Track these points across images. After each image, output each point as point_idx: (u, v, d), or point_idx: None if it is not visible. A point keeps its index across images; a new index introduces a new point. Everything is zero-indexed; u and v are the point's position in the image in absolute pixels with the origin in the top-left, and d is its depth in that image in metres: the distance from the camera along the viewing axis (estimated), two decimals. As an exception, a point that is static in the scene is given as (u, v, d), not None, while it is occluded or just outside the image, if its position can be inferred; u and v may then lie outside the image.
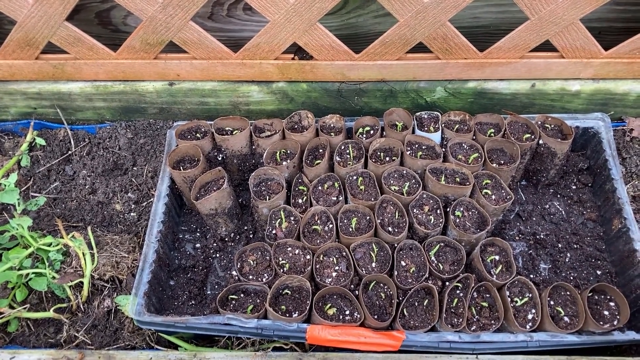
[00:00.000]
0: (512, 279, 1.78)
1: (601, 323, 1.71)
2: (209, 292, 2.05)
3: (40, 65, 2.31)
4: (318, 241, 1.90)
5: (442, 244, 1.88)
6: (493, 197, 1.95)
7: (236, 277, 1.88)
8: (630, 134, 2.29)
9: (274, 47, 2.16)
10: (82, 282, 2.00)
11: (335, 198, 1.99)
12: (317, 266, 1.84)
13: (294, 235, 1.92)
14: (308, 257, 1.87)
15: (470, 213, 1.92)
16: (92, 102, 2.43)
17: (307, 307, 1.73)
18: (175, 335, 1.93)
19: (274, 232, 1.95)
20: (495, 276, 1.80)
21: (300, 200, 2.03)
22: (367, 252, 1.87)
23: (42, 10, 2.07)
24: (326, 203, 1.98)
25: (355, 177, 2.03)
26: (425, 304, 1.77)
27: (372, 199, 1.96)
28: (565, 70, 2.20)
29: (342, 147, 2.11)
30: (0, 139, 2.53)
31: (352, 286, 1.83)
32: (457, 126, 2.16)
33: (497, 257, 1.85)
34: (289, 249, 1.89)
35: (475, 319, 1.75)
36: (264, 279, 1.84)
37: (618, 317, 1.73)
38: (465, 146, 2.08)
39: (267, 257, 1.90)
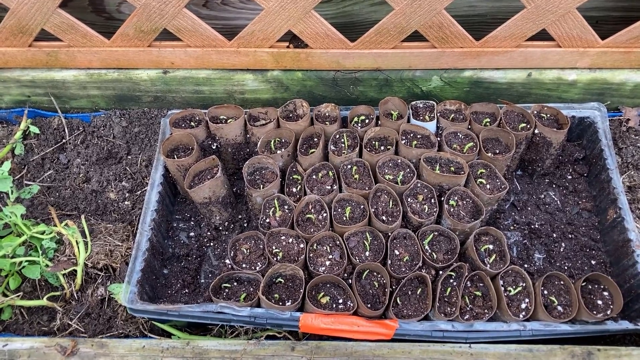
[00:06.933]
0: (505, 268, 1.78)
1: (595, 312, 1.71)
2: (202, 281, 2.04)
3: (34, 52, 2.30)
4: (312, 230, 1.89)
5: (436, 233, 1.88)
6: (488, 186, 1.94)
7: (229, 266, 1.87)
8: (626, 124, 2.28)
9: (269, 35, 2.15)
10: (75, 271, 1.99)
11: (329, 187, 1.98)
12: (311, 255, 1.84)
13: (287, 224, 1.92)
14: (302, 245, 1.87)
15: (464, 202, 1.92)
16: (86, 90, 2.42)
17: (300, 296, 1.73)
18: (168, 323, 1.92)
19: (267, 220, 1.94)
20: (488, 265, 1.80)
21: (294, 189, 2.03)
22: (361, 241, 1.86)
23: (35, -3, 2.05)
24: (320, 192, 1.97)
25: (349, 166, 2.02)
26: (418, 292, 1.77)
27: (367, 188, 1.95)
28: (561, 59, 2.18)
29: (337, 136, 2.10)
30: (-6, 127, 2.52)
31: (346, 275, 1.82)
32: (452, 115, 2.15)
33: (491, 247, 1.84)
34: (283, 237, 1.89)
35: (468, 308, 1.75)
36: (257, 268, 1.83)
37: (611, 306, 1.73)
38: (461, 135, 2.07)
39: (261, 246, 1.89)
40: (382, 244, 1.84)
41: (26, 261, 1.98)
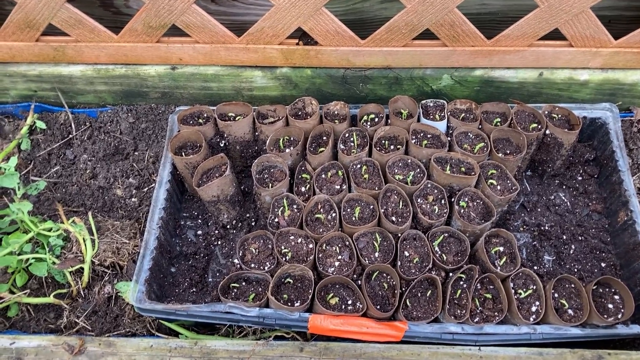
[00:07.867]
0: (516, 270, 1.76)
1: (605, 316, 1.69)
2: (210, 280, 2.03)
3: (41, 47, 2.28)
4: (321, 230, 1.88)
5: (446, 235, 1.87)
6: (498, 187, 1.93)
7: (238, 265, 1.86)
8: (637, 125, 2.26)
9: (278, 32, 2.13)
10: (82, 268, 1.98)
11: (338, 186, 1.97)
12: (320, 255, 1.83)
13: (296, 223, 1.90)
14: (311, 246, 1.85)
15: (475, 203, 1.90)
16: (93, 86, 2.40)
17: (309, 297, 1.72)
18: (176, 322, 1.92)
19: (276, 220, 1.93)
20: (499, 268, 1.78)
21: (303, 189, 2.01)
22: (370, 241, 1.85)
23: (43, -9, 2.03)
24: (329, 191, 1.96)
25: (359, 166, 2.01)
26: (428, 294, 1.76)
27: (376, 188, 1.94)
28: (573, 59, 2.16)
29: (346, 135, 2.09)
30: (0, 121, 2.50)
31: (355, 276, 1.81)
32: (463, 115, 2.13)
33: (501, 249, 1.83)
34: (292, 237, 1.88)
35: (478, 311, 1.73)
36: (266, 268, 1.82)
37: (622, 310, 1.72)
38: (471, 135, 2.06)
39: (270, 246, 1.88)
40: (392, 245, 1.83)
41: (33, 258, 1.97)
